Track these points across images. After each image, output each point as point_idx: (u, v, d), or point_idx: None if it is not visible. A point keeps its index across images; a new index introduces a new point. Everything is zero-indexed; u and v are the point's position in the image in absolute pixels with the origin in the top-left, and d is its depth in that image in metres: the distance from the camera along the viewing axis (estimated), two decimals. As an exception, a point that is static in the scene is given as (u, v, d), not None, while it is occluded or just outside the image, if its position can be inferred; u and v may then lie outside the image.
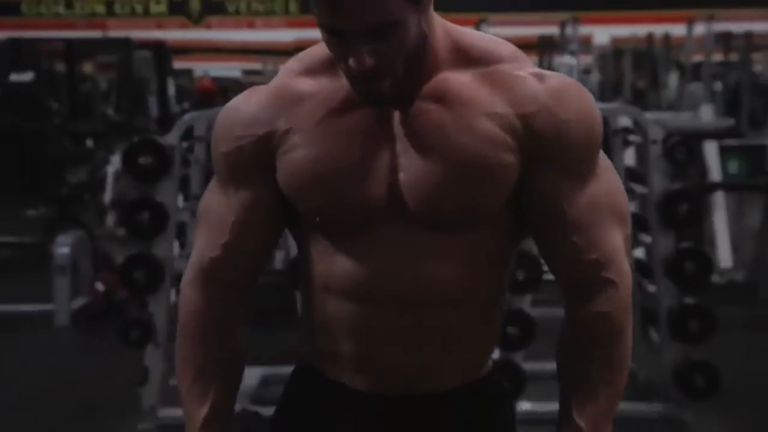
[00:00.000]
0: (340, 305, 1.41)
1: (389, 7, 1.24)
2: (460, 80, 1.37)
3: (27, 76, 10.61)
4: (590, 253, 1.38)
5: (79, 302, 5.93)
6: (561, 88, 1.38)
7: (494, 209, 1.39)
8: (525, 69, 1.39)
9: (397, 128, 1.38)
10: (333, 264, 1.41)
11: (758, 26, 11.12)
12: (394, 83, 1.32)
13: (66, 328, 5.74)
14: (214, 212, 1.46)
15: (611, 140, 4.47)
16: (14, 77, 10.58)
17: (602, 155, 1.41)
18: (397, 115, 1.38)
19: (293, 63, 1.45)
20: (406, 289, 1.39)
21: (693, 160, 4.31)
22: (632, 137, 4.48)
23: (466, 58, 1.38)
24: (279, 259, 6.22)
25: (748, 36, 11.19)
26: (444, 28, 1.39)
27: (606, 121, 5.85)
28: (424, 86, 1.37)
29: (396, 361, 1.42)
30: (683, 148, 4.09)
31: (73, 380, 4.79)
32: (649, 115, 5.12)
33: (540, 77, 1.37)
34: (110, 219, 7.01)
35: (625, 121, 4.53)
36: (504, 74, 1.37)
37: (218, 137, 1.45)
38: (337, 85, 1.38)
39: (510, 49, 1.41)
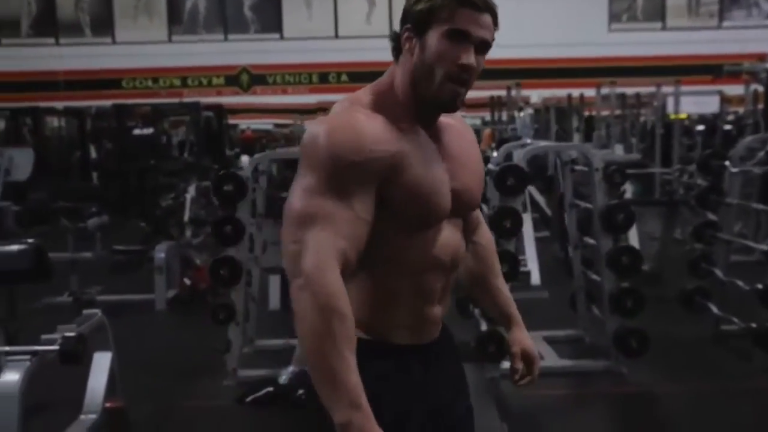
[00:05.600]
0: (412, 278, 1.34)
1: (492, 34, 1.29)
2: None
3: (149, 130, 10.55)
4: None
5: (172, 293, 5.78)
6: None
7: None
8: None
9: (438, 147, 1.35)
10: (410, 248, 1.32)
11: (644, 90, 11.14)
12: (461, 101, 1.31)
13: (163, 312, 5.61)
14: (335, 213, 1.21)
15: (563, 169, 4.39)
16: (137, 131, 10.51)
17: None
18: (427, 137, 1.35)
19: (356, 106, 1.29)
20: (453, 257, 1.39)
21: (623, 182, 4.23)
22: (577, 166, 4.40)
23: None
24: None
25: (638, 96, 11.20)
26: None
27: (546, 155, 5.80)
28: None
29: (435, 315, 1.40)
30: (618, 174, 4.01)
31: (170, 350, 4.65)
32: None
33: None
34: (188, 232, 6.90)
35: (573, 155, 4.44)
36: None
37: (346, 149, 1.22)
38: (399, 120, 1.31)
39: None
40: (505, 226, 3.78)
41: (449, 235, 1.37)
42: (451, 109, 1.31)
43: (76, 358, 2.76)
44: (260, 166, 4.22)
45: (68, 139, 13.35)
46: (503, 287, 1.59)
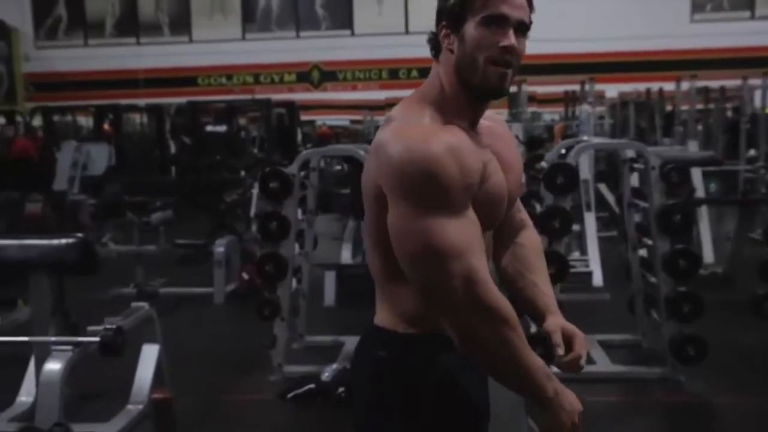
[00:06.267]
0: None
1: (528, 15, 1.29)
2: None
3: (222, 128, 10.89)
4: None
5: (231, 287, 5.90)
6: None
7: None
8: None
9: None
10: None
11: (729, 83, 10.61)
12: (509, 82, 1.29)
13: (221, 305, 5.72)
14: (468, 234, 1.22)
15: (621, 167, 4.22)
16: (209, 128, 10.85)
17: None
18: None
19: (430, 117, 1.28)
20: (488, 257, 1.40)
21: (684, 181, 4.02)
22: (636, 165, 4.21)
23: None
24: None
25: (722, 90, 10.69)
26: None
27: (616, 153, 5.59)
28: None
29: None
30: (676, 172, 3.82)
31: (223, 343, 4.75)
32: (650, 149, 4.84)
33: None
34: (254, 227, 7.03)
35: (631, 153, 4.26)
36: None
37: (456, 173, 1.20)
38: (460, 121, 1.32)
39: None
40: (554, 225, 3.66)
41: (490, 235, 1.39)
42: (501, 92, 1.30)
43: (116, 350, 2.85)
44: (311, 162, 4.25)
45: (149, 135, 13.88)
46: (541, 283, 1.49)
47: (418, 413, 1.31)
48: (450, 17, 1.28)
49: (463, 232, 1.21)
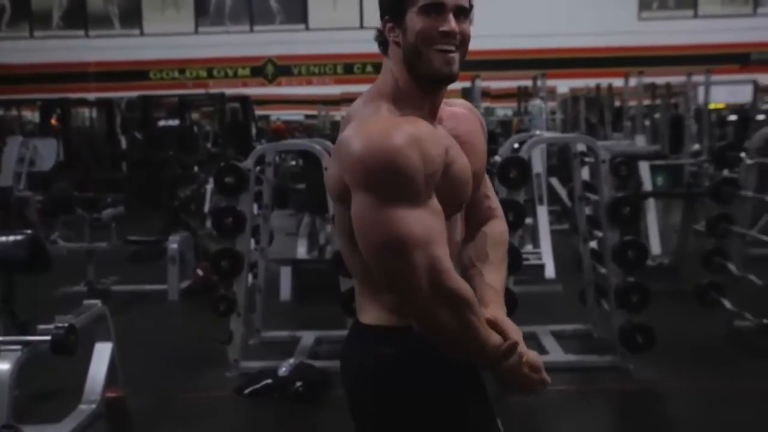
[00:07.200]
0: None
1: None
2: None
3: (175, 122, 10.68)
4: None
5: (185, 283, 5.83)
6: None
7: None
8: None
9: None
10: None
11: (674, 79, 10.90)
12: (456, 65, 1.31)
13: (176, 302, 5.65)
14: (430, 224, 1.24)
15: (572, 161, 4.31)
16: (162, 123, 10.63)
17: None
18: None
19: (388, 110, 1.30)
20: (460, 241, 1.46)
21: (632, 175, 4.13)
22: (587, 159, 4.30)
23: None
24: (329, 250, 6.12)
25: (668, 86, 10.97)
26: None
27: (567, 147, 5.68)
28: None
29: None
30: (625, 166, 3.92)
31: (178, 340, 4.70)
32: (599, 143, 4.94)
33: None
34: (208, 223, 6.96)
35: (582, 147, 4.34)
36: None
37: (418, 163, 1.22)
38: (418, 111, 1.34)
39: None
40: (508, 219, 3.71)
41: (459, 219, 1.41)
42: (449, 76, 1.31)
43: (68, 348, 2.79)
44: (267, 157, 4.22)
45: (98, 130, 13.57)
46: (489, 273, 1.47)
47: (437, 402, 1.33)
48: (391, 10, 1.32)
49: (426, 222, 1.23)
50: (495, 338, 1.29)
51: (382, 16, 1.34)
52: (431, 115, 1.36)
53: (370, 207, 1.22)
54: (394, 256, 1.22)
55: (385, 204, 1.21)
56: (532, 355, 1.33)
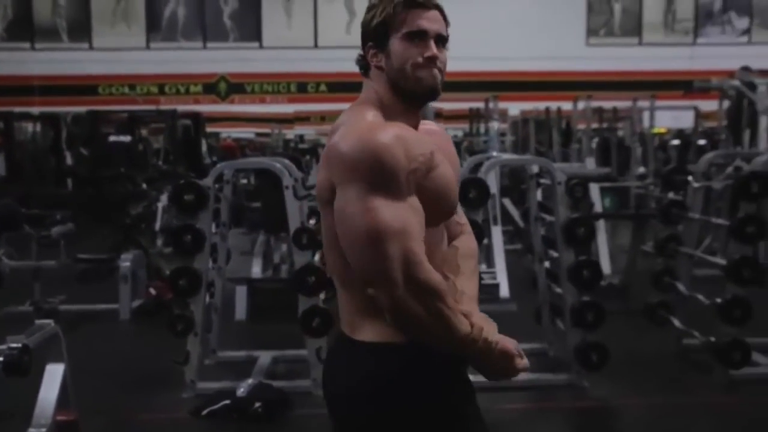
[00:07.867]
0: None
1: (445, 28, 1.42)
2: None
3: (126, 138, 10.50)
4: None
5: (137, 302, 5.72)
6: None
7: None
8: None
9: None
10: (431, 243, 1.38)
11: (621, 104, 11.24)
12: (439, 83, 1.40)
13: (127, 321, 5.54)
14: (408, 218, 1.30)
15: (527, 182, 4.40)
16: (113, 138, 10.41)
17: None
18: None
19: (374, 116, 1.38)
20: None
21: (585, 196, 4.25)
22: (542, 180, 4.41)
23: None
24: (284, 269, 6.08)
25: (615, 110, 11.30)
26: None
27: (523, 168, 5.79)
28: None
29: None
30: (579, 187, 4.02)
31: (131, 361, 4.59)
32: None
33: None
34: (159, 241, 6.84)
35: (536, 169, 4.45)
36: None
37: (402, 159, 1.30)
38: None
39: None
40: (467, 238, 3.77)
41: (443, 230, 1.48)
42: (435, 90, 1.40)
43: (22, 369, 2.71)
44: (225, 175, 4.20)
45: (43, 145, 13.22)
46: (461, 281, 1.49)
47: (438, 416, 1.36)
48: (375, 37, 1.40)
49: (404, 216, 1.29)
50: (465, 327, 1.33)
51: (364, 42, 1.43)
52: (413, 128, 1.43)
53: (353, 198, 1.28)
54: (370, 245, 1.27)
55: (366, 195, 1.27)
56: (506, 342, 1.38)
